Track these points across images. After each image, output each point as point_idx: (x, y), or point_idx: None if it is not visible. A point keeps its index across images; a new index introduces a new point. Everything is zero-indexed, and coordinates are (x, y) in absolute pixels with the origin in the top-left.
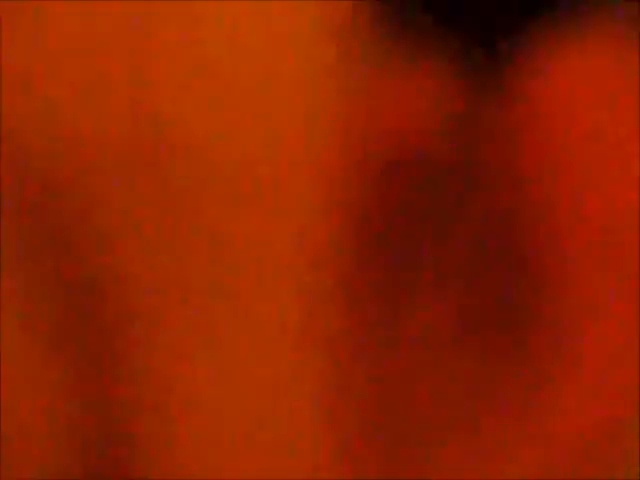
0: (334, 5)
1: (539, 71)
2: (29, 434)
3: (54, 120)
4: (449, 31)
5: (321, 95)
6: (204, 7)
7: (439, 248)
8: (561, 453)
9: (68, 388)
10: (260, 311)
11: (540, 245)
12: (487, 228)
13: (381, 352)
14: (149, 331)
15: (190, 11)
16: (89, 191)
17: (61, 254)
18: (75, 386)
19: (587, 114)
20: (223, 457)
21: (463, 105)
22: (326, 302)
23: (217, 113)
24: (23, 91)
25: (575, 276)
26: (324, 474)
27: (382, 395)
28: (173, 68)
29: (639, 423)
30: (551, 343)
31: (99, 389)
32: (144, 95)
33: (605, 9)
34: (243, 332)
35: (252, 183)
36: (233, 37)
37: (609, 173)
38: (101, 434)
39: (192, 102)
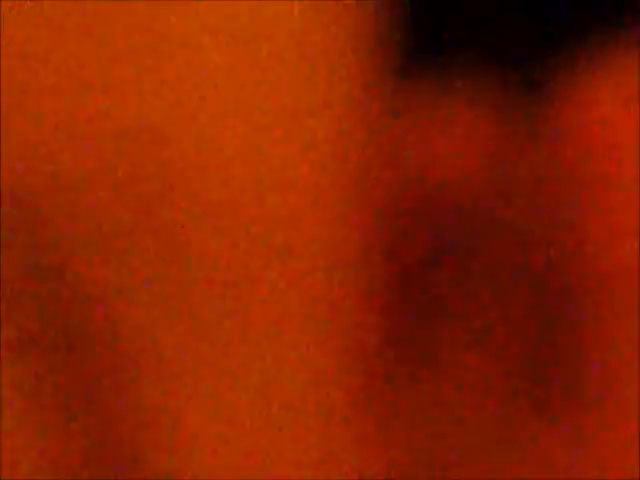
0: (366, 44)
1: (577, 101)
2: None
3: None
4: (484, 66)
5: (346, 142)
6: (216, 58)
7: (471, 300)
8: None
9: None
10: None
11: (579, 297)
12: (525, 276)
13: (422, 398)
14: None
15: (199, 57)
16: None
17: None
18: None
19: (629, 144)
20: None
21: (497, 145)
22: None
23: (232, 167)
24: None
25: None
26: None
27: (421, 438)
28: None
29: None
30: (594, 397)
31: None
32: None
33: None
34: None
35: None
36: (245, 80)
37: None
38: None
39: (206, 155)
